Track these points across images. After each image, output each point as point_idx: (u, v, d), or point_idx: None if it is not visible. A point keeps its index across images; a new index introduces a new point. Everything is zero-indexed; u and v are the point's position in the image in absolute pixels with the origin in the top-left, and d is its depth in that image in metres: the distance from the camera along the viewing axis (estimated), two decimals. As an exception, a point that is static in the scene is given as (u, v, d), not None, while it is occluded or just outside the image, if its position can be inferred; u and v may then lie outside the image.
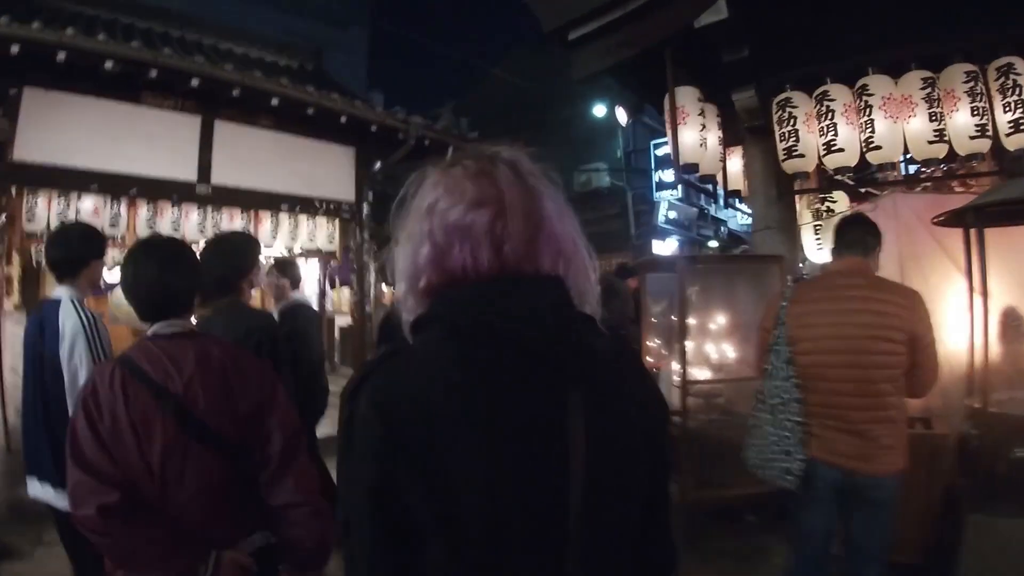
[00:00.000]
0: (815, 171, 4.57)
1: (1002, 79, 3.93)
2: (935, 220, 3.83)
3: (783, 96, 4.39)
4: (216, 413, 1.69)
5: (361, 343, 8.88)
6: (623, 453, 0.90)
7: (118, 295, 13.66)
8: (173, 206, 7.15)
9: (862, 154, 4.23)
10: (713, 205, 15.82)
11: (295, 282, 4.28)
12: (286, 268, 4.23)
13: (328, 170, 8.36)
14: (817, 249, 4.79)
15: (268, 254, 7.15)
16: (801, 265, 4.81)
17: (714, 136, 4.71)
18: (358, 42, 29.34)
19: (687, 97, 4.51)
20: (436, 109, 9.13)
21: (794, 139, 4.31)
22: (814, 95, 4.34)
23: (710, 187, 5.27)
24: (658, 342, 5.21)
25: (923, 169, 4.48)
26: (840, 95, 4.23)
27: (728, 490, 4.16)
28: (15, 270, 6.44)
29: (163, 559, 1.60)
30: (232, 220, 7.54)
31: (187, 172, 6.97)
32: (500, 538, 0.82)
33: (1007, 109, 3.89)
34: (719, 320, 4.54)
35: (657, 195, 13.68)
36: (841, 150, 4.19)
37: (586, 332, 0.91)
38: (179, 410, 1.65)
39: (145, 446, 1.61)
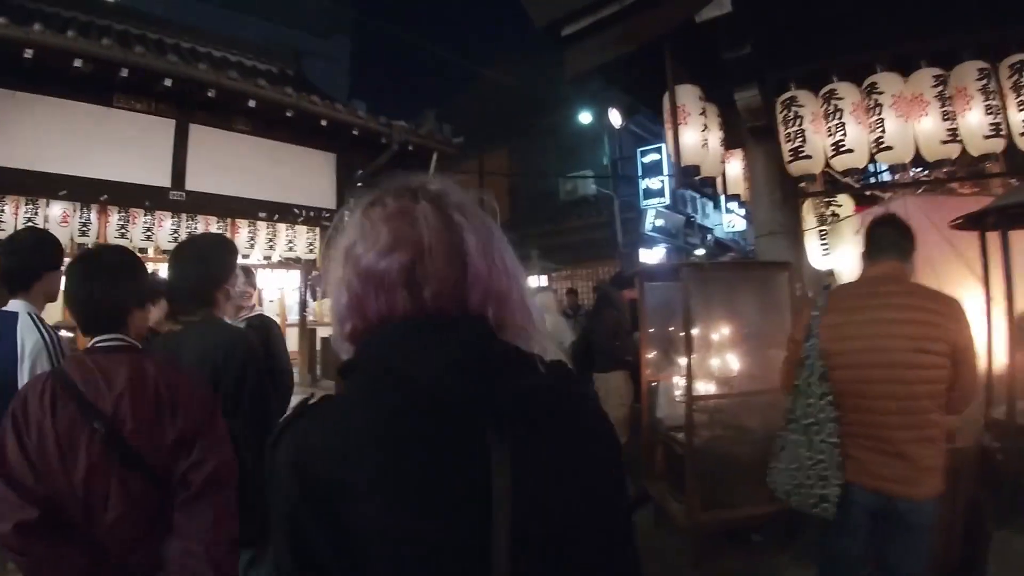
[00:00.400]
0: (819, 174, 4.39)
1: (1015, 76, 3.78)
2: (953, 223, 3.65)
3: (788, 95, 4.19)
4: (144, 436, 1.61)
5: (343, 355, 8.55)
6: (561, 507, 0.81)
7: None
8: (146, 213, 6.88)
9: (871, 155, 4.05)
10: (699, 213, 15.74)
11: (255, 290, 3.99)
12: (251, 274, 3.89)
13: (308, 176, 8.11)
14: (822, 255, 4.58)
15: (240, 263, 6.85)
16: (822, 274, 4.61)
17: (716, 137, 4.51)
18: (339, 51, 29.05)
19: (688, 96, 4.29)
20: (419, 116, 8.89)
21: (801, 140, 4.12)
22: (820, 93, 4.15)
23: (710, 190, 5.04)
24: (654, 354, 4.99)
25: (924, 171, 4.30)
26: (848, 93, 4.04)
27: (736, 510, 3.92)
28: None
29: None
30: (207, 227, 7.29)
31: (160, 177, 6.70)
32: None
33: (1021, 108, 3.73)
34: (723, 331, 4.31)
35: (644, 203, 13.50)
36: (850, 151, 4.00)
37: (518, 374, 0.83)
38: (107, 430, 1.57)
39: (70, 464, 1.55)
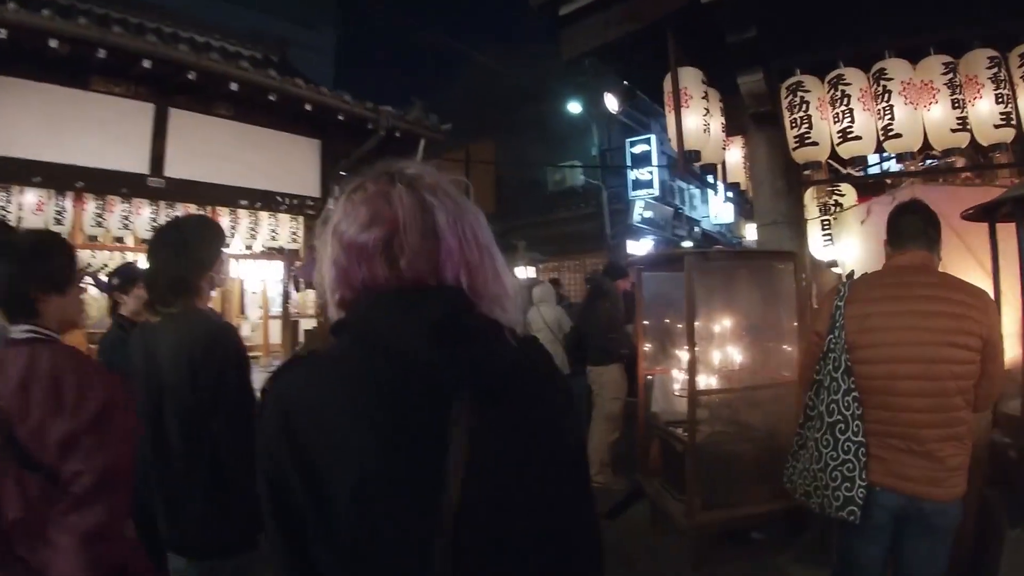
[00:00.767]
0: (823, 163, 4.27)
1: None
2: (964, 214, 3.53)
3: (794, 80, 4.06)
4: (35, 434, 1.52)
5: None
6: (513, 463, 0.90)
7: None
8: (123, 201, 6.61)
9: (879, 143, 3.93)
10: (687, 205, 15.66)
11: None
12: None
13: (292, 164, 7.83)
14: (824, 246, 4.46)
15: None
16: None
17: (717, 122, 4.36)
18: (325, 43, 28.56)
19: (690, 78, 4.14)
20: (407, 104, 8.67)
21: (807, 125, 3.98)
22: (827, 79, 4.02)
23: (710, 177, 4.89)
24: (650, 347, 4.85)
25: (930, 161, 4.19)
26: (856, 79, 3.91)
27: (737, 509, 3.81)
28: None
29: None
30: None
31: (138, 164, 6.39)
32: (366, 539, 0.84)
33: None
34: (725, 322, 4.18)
35: (633, 194, 13.33)
36: (858, 138, 3.88)
37: (485, 341, 0.93)
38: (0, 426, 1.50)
39: None
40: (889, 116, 3.81)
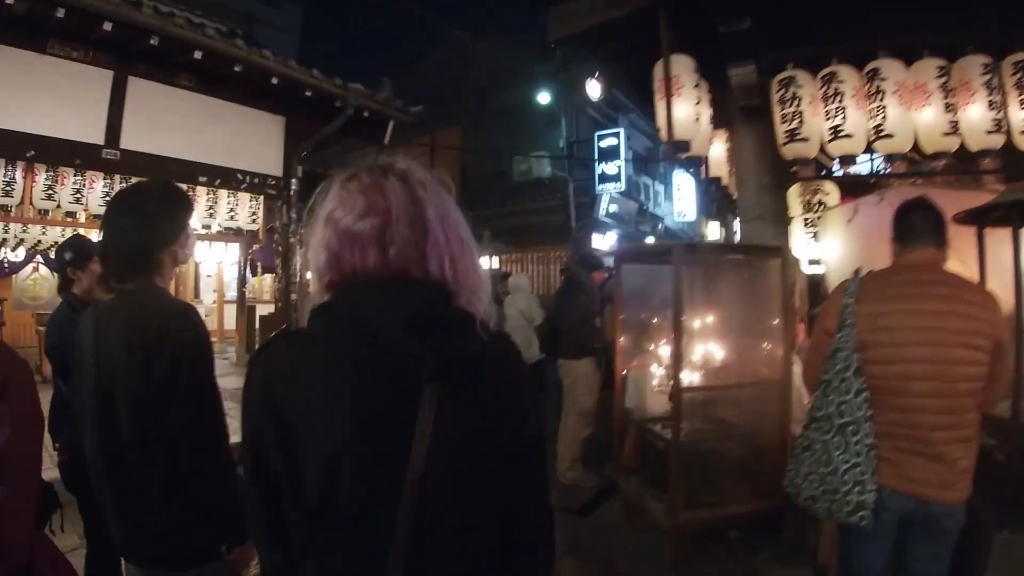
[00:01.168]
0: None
1: (1019, 75, 3.72)
2: (956, 217, 3.52)
3: (786, 75, 4.00)
4: None
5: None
6: (474, 446, 0.98)
7: (22, 278, 12.29)
8: (76, 173, 6.25)
9: (868, 143, 3.90)
10: (651, 201, 15.69)
11: None
12: None
13: (254, 140, 7.51)
14: (806, 243, 4.43)
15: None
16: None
17: (707, 114, 4.26)
18: (290, 23, 27.69)
19: (683, 66, 4.05)
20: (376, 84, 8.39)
21: (798, 121, 3.94)
22: (820, 76, 3.97)
23: (693, 170, 4.82)
24: (626, 341, 4.74)
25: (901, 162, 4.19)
26: (849, 77, 3.89)
27: (719, 509, 3.74)
28: None
29: None
30: (143, 190, 6.58)
31: (94, 134, 5.99)
32: (333, 503, 0.93)
33: (1023, 106, 3.66)
34: (708, 318, 4.10)
35: (600, 187, 13.25)
36: (849, 136, 3.85)
37: (457, 333, 0.99)
38: None
39: None
40: (882, 116, 3.79)
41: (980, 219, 3.55)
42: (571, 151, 13.74)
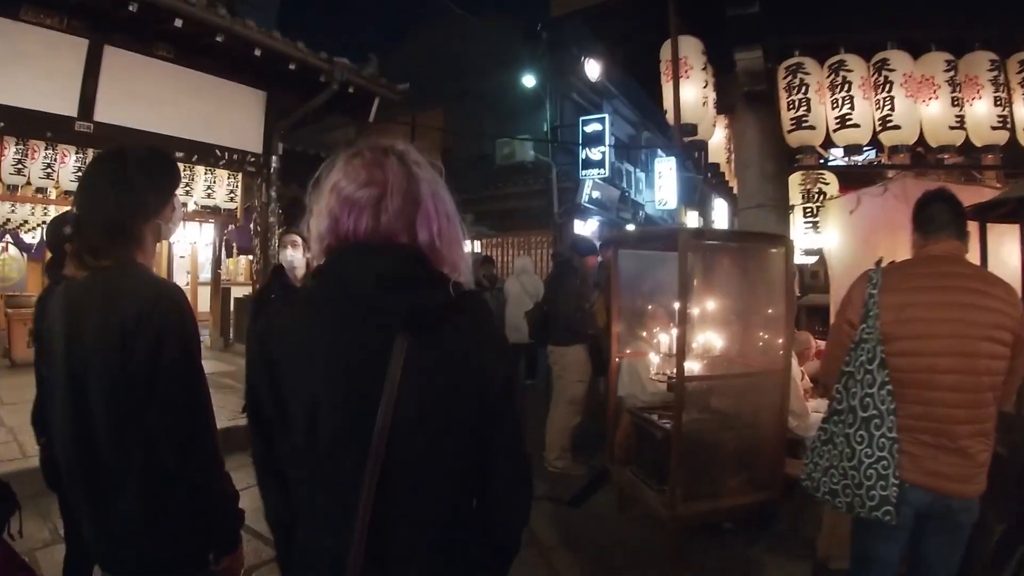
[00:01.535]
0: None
1: None
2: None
3: (794, 61, 3.94)
4: None
5: (262, 316, 7.85)
6: (441, 389, 1.09)
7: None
8: (47, 146, 5.97)
9: (875, 133, 3.86)
10: (633, 189, 15.64)
11: None
12: None
13: (234, 115, 7.27)
14: (804, 232, 4.39)
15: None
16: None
17: (712, 98, 4.18)
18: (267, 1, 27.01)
19: (691, 48, 3.96)
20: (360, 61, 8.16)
21: (805, 108, 3.88)
22: (827, 64, 3.91)
23: (681, 157, 4.74)
24: (622, 329, 4.67)
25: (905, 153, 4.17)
26: (857, 67, 3.85)
27: (719, 501, 3.69)
28: None
29: None
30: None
31: (67, 106, 5.73)
32: (314, 451, 1.08)
33: None
34: (709, 306, 4.03)
35: (583, 173, 13.14)
36: (856, 125, 3.81)
37: (425, 290, 1.11)
38: None
39: None
40: (889, 107, 3.76)
41: (984, 215, 3.53)
42: (555, 136, 13.59)
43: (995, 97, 3.69)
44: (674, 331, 3.95)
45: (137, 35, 6.00)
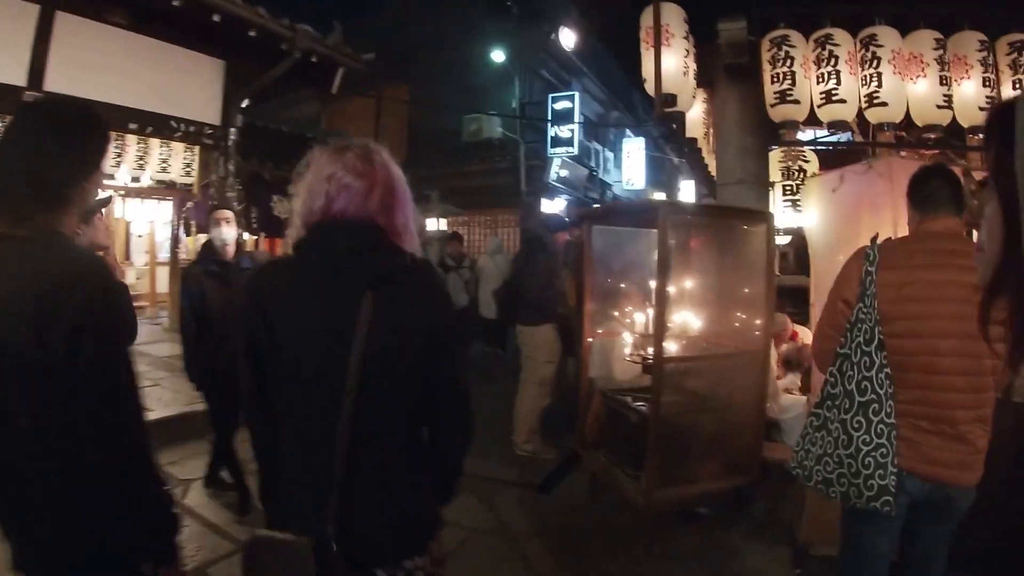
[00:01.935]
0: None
1: (1013, 55, 3.72)
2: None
3: (779, 33, 3.81)
4: None
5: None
6: (399, 336, 1.36)
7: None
8: (-7, 118, 5.54)
9: (860, 109, 3.76)
10: (601, 168, 15.50)
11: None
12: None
13: (191, 85, 6.86)
14: (783, 210, 4.29)
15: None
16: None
17: (693, 69, 4.02)
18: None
19: (673, 15, 3.79)
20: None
21: (789, 82, 3.76)
22: (813, 38, 3.79)
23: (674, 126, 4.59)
24: (593, 306, 4.52)
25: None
26: (844, 41, 3.74)
27: (694, 486, 3.60)
28: None
29: None
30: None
31: (15, 75, 5.33)
32: (300, 380, 1.35)
33: (1016, 86, 3.64)
34: (687, 284, 3.90)
35: (552, 151, 12.92)
36: (843, 101, 3.71)
37: (386, 256, 1.38)
38: None
39: None
40: (876, 83, 3.67)
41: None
42: (523, 113, 13.34)
43: (984, 78, 3.65)
44: (650, 310, 3.81)
45: (91, 0, 5.60)
